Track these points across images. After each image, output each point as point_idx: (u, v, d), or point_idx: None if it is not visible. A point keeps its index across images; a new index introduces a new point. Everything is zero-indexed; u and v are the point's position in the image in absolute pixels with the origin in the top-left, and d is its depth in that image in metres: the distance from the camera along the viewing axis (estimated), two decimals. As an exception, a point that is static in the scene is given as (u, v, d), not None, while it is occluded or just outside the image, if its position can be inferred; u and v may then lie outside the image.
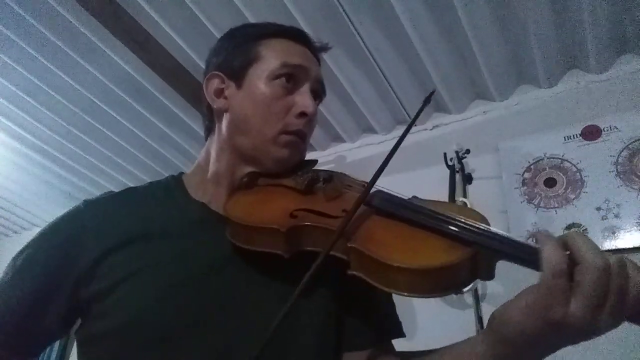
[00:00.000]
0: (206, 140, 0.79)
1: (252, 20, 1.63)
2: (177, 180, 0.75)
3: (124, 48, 1.82)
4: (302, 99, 0.70)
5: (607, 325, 0.42)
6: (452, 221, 0.52)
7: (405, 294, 0.48)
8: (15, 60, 1.96)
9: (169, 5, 1.67)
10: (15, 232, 3.57)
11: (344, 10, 1.60)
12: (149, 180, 0.79)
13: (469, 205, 1.74)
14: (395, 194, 0.60)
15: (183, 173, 0.78)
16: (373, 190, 0.61)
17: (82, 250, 0.62)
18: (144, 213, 0.68)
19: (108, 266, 0.61)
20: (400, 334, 0.73)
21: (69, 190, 2.93)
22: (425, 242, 0.51)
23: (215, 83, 0.74)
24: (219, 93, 0.74)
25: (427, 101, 0.68)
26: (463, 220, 0.51)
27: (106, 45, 1.83)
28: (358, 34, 1.68)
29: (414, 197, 0.61)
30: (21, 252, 0.65)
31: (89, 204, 0.68)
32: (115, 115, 2.24)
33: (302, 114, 0.69)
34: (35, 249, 0.65)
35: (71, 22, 1.75)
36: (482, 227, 0.50)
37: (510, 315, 0.46)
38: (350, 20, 1.63)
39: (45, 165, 2.68)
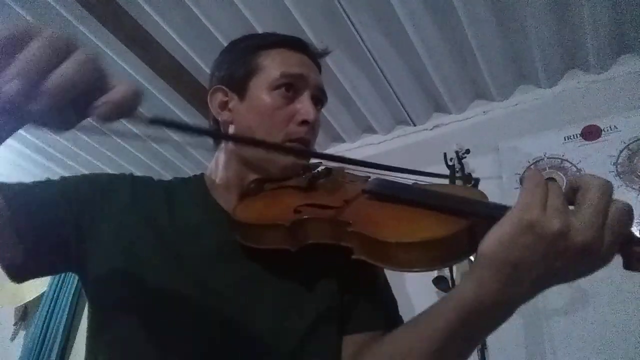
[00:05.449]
0: (215, 150, 0.81)
1: (252, 20, 1.64)
2: (199, 180, 0.78)
3: (124, 48, 1.82)
4: (303, 106, 0.72)
5: (586, 242, 0.41)
6: (447, 196, 0.54)
7: (406, 269, 0.50)
8: (15, 60, 1.96)
9: (169, 5, 1.66)
10: (15, 232, 3.57)
11: (344, 11, 1.60)
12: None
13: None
14: (390, 179, 0.62)
15: (204, 173, 0.80)
16: (371, 177, 0.65)
17: (105, 203, 0.65)
18: (167, 205, 0.70)
19: (119, 239, 0.62)
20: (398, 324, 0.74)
21: (69, 190, 2.93)
22: (421, 218, 0.54)
23: (219, 97, 0.76)
24: (223, 106, 0.75)
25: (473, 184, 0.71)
26: (459, 195, 0.53)
27: (106, 45, 1.83)
28: (358, 34, 1.68)
29: (415, 183, 0.64)
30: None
31: (133, 177, 0.72)
32: (115, 115, 2.25)
33: (304, 122, 0.71)
34: (69, 178, 0.68)
35: (71, 22, 1.75)
36: (477, 199, 0.51)
37: (487, 237, 0.44)
38: (350, 21, 1.63)
39: (45, 165, 2.68)
